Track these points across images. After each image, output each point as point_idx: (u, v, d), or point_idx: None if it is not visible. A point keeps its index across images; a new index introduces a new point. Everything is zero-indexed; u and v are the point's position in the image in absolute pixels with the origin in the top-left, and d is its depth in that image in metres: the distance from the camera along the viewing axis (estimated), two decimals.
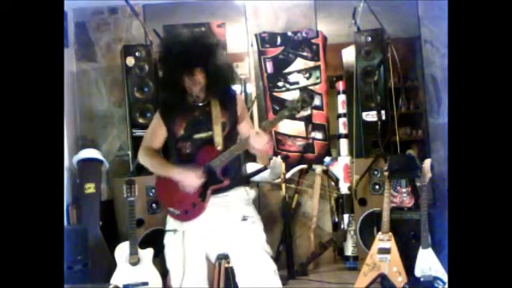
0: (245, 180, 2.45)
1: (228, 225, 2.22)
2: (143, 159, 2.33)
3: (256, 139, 2.06)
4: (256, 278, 2.13)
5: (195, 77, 2.17)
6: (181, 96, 2.25)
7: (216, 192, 2.22)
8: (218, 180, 2.20)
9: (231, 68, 2.30)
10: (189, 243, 2.21)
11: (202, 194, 2.20)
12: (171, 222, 2.30)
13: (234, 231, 2.21)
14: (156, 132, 2.33)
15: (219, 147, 2.21)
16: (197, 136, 2.25)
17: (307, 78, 4.39)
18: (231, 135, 2.29)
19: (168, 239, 2.28)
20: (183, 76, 2.18)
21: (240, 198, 2.29)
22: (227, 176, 2.22)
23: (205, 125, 2.24)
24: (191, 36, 2.25)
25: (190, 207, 2.22)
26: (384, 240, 3.18)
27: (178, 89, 2.22)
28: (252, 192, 2.37)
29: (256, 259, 2.16)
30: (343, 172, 4.04)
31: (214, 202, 2.23)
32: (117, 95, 4.36)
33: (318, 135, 4.39)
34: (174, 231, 2.25)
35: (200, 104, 2.26)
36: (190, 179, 2.16)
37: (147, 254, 3.34)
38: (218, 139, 2.21)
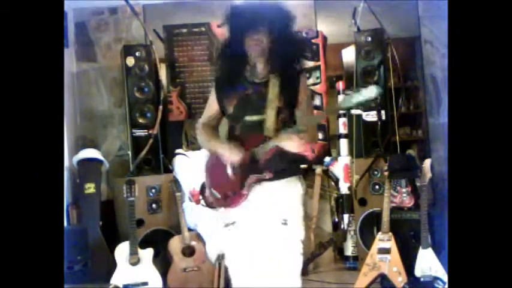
0: (298, 169, 2.18)
1: (266, 226, 2.01)
2: (198, 134, 2.21)
3: (288, 142, 1.90)
4: None
5: (258, 36, 1.99)
6: (240, 66, 2.07)
7: (264, 182, 2.03)
8: (259, 171, 1.99)
9: (302, 41, 2.11)
10: (238, 238, 2.07)
11: (242, 182, 2.01)
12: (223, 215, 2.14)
13: (270, 234, 2.01)
14: (210, 107, 2.18)
15: (270, 135, 1.97)
16: (248, 118, 2.04)
17: (307, 78, 4.38)
18: (286, 123, 2.04)
19: (224, 234, 2.12)
20: (245, 36, 2.00)
21: (289, 194, 2.06)
22: (271, 168, 1.99)
23: (257, 107, 2.03)
24: (260, 1, 2.09)
25: (231, 193, 2.05)
26: (384, 240, 3.18)
27: (238, 55, 2.04)
28: (302, 187, 2.11)
29: (280, 274, 1.98)
30: (343, 172, 4.04)
31: (259, 195, 2.03)
32: (117, 95, 4.36)
33: (318, 135, 4.38)
34: (233, 223, 2.08)
35: (257, 81, 2.07)
36: (231, 155, 1.98)
37: (147, 254, 3.34)
38: (270, 125, 1.98)
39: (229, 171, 2.01)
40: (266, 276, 1.98)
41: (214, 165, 2.10)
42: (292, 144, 1.90)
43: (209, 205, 2.21)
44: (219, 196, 2.10)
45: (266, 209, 2.02)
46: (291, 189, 2.08)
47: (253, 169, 1.99)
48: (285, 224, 2.01)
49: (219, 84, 2.16)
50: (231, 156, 1.98)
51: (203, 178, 2.20)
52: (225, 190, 2.08)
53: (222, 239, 2.15)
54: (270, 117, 1.99)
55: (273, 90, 2.02)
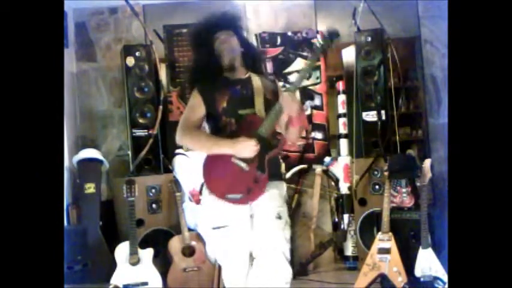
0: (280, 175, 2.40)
1: (261, 221, 2.10)
2: (183, 139, 2.18)
3: (288, 102, 2.01)
4: (266, 283, 2.02)
5: (226, 38, 2.22)
6: (218, 67, 2.22)
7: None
8: (273, 145, 2.10)
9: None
10: (234, 238, 2.10)
11: (260, 166, 2.05)
12: (217, 217, 2.14)
13: (264, 228, 2.08)
14: (195, 110, 2.20)
15: (265, 130, 2.09)
16: (242, 112, 2.15)
17: (307, 78, 4.38)
18: None
19: (215, 235, 2.14)
20: (214, 41, 2.22)
21: (279, 193, 2.18)
22: (277, 142, 2.13)
23: (248, 100, 2.17)
24: (219, 11, 2.30)
25: (245, 191, 2.07)
26: (384, 240, 3.18)
27: (213, 60, 2.21)
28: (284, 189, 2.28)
29: (274, 264, 2.05)
30: (343, 172, 4.04)
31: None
32: (117, 95, 4.36)
33: (318, 135, 4.39)
34: (224, 227, 2.10)
35: (242, 78, 2.24)
36: (247, 146, 2.01)
37: (147, 254, 3.34)
38: (262, 113, 2.13)
39: (244, 166, 2.05)
40: (260, 276, 2.04)
41: (217, 169, 2.10)
42: (291, 104, 2.02)
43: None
44: (239, 197, 2.07)
45: (263, 205, 2.11)
46: (280, 190, 2.21)
47: (265, 148, 2.06)
48: (279, 218, 2.12)
49: (204, 87, 2.23)
50: (249, 149, 2.02)
51: (202, 179, 2.18)
52: (241, 189, 2.07)
53: (212, 242, 2.20)
54: (258, 106, 2.16)
55: (257, 83, 2.22)
